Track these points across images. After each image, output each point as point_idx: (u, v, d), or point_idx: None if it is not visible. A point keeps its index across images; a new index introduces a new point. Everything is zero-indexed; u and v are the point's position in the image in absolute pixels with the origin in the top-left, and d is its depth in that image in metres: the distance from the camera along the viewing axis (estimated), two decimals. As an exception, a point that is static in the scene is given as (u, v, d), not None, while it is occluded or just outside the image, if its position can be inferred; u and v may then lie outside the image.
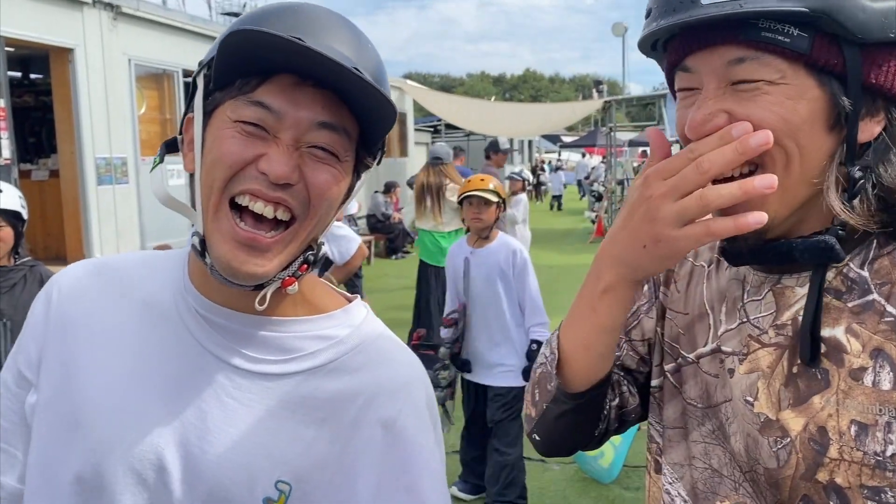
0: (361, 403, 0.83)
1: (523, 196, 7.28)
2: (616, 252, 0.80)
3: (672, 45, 0.81)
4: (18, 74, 10.19)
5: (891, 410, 0.72)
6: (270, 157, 0.75)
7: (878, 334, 0.75)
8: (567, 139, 35.09)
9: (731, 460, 0.84)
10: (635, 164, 22.31)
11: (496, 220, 3.61)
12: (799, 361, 0.78)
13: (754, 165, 0.76)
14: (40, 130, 9.77)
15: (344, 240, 4.17)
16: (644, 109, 24.36)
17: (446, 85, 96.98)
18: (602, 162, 20.25)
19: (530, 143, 29.55)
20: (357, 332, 0.86)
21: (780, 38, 0.72)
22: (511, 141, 26.37)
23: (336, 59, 0.71)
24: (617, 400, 0.98)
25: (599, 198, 16.56)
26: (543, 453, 1.00)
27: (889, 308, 0.75)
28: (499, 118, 17.56)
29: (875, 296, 0.76)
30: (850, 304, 0.77)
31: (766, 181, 0.70)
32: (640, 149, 24.50)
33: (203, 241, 0.78)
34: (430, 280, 5.92)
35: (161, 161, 0.86)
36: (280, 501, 0.78)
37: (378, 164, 0.89)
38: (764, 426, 0.80)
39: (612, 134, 16.21)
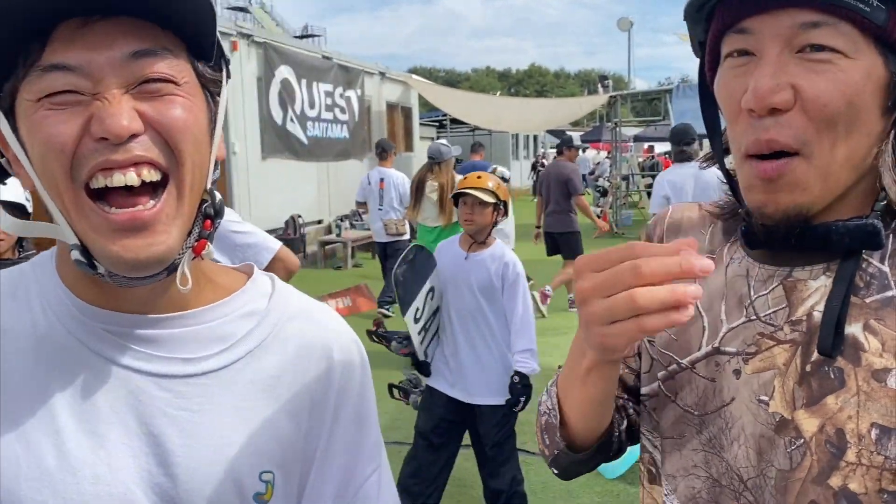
0: (305, 369, 0.79)
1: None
2: (583, 336, 0.76)
3: (730, 2, 0.75)
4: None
5: None
6: (99, 117, 0.62)
7: None
8: (572, 134, 35.05)
9: (729, 469, 0.81)
10: (640, 160, 22.28)
11: (494, 224, 3.24)
12: (813, 359, 0.75)
13: (795, 151, 0.72)
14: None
15: (252, 249, 2.59)
16: (649, 105, 24.30)
17: (451, 80, 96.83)
18: (607, 157, 20.20)
19: (535, 138, 29.47)
20: (275, 301, 0.80)
21: (861, 5, 0.68)
22: (515, 136, 26.34)
23: None
24: (625, 423, 0.97)
25: (605, 193, 16.52)
26: (564, 480, 1.00)
27: None
28: (504, 113, 17.52)
29: (895, 291, 0.73)
30: (868, 300, 0.74)
31: (697, 291, 0.64)
32: (646, 144, 24.44)
33: (85, 251, 0.66)
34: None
35: None
36: (269, 492, 0.75)
37: (228, 75, 0.75)
38: (779, 426, 0.77)
39: (618, 129, 16.17)
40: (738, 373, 0.81)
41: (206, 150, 0.70)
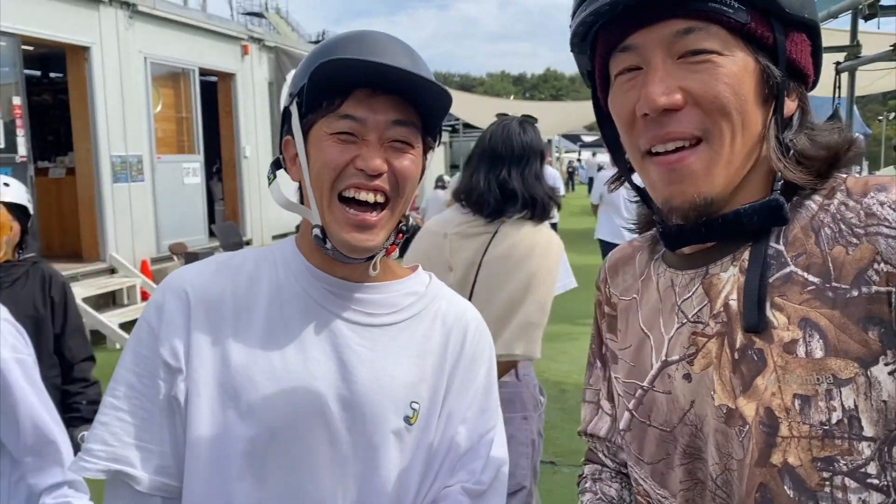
0: (447, 337, 1.09)
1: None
2: None
3: (609, 28, 0.81)
4: (38, 73, 10.29)
5: (828, 378, 0.72)
6: (364, 156, 0.96)
7: (802, 304, 0.75)
8: (587, 139, 34.90)
9: (707, 472, 0.82)
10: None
11: None
12: (738, 346, 0.78)
13: (697, 139, 0.77)
14: (59, 128, 9.85)
15: None
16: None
17: (466, 84, 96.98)
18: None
19: (549, 141, 29.45)
20: (430, 287, 1.13)
21: (724, 8, 0.75)
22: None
23: (399, 66, 0.93)
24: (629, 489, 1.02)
25: (618, 197, 16.40)
26: None
27: (809, 277, 0.75)
28: (517, 117, 17.47)
29: (792, 267, 0.77)
30: (771, 280, 0.77)
31: None
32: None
33: (323, 232, 0.99)
34: None
35: (274, 178, 1.07)
36: (414, 417, 1.03)
37: (439, 144, 1.10)
38: (728, 417, 0.78)
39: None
40: (688, 377, 0.83)
41: (415, 188, 1.04)
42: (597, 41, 0.84)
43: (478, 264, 2.26)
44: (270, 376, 0.97)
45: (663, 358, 0.86)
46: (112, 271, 8.20)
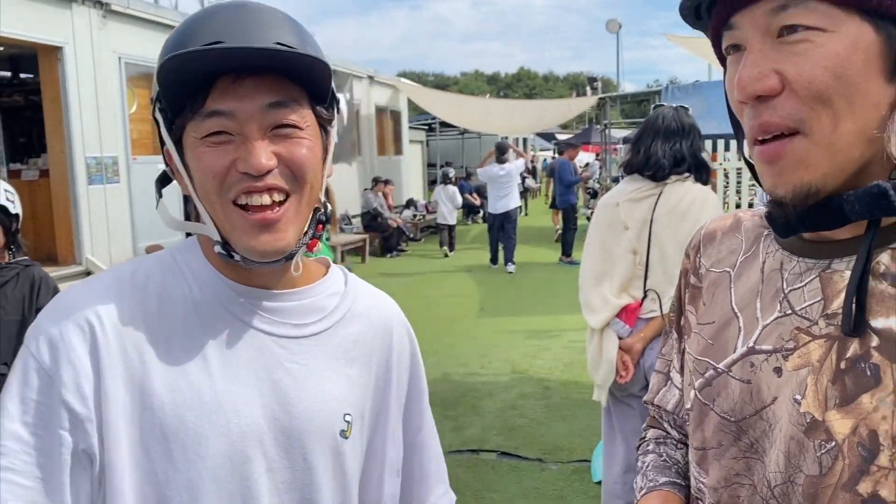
0: (374, 337, 1.02)
1: None
2: None
3: (717, 7, 0.77)
4: (8, 74, 10.11)
5: None
6: (243, 157, 0.84)
7: None
8: (562, 137, 35.02)
9: (765, 474, 0.78)
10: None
11: None
12: (848, 355, 0.71)
13: (794, 130, 0.71)
14: (31, 130, 9.68)
15: None
16: (638, 106, 24.35)
17: (441, 84, 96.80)
18: (597, 159, 20.22)
19: (525, 140, 29.50)
20: (349, 285, 1.04)
21: None
22: (505, 138, 26.33)
23: (256, 45, 0.81)
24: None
25: (595, 195, 16.52)
26: None
27: None
28: (493, 116, 17.49)
29: None
30: None
31: None
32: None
33: (225, 244, 0.88)
34: None
35: (160, 196, 0.96)
36: (349, 430, 0.97)
37: (338, 111, 0.97)
38: (809, 427, 0.72)
39: (607, 131, 16.18)
40: (778, 371, 0.77)
41: (319, 174, 0.92)
42: (709, 16, 0.80)
43: (650, 220, 2.81)
44: (200, 412, 0.86)
45: (751, 344, 0.81)
46: (88, 274, 8.08)
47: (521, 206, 13.50)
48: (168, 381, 0.86)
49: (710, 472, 0.85)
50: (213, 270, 0.93)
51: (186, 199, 0.93)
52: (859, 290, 0.70)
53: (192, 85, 0.83)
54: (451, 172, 14.36)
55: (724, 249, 0.93)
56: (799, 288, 0.78)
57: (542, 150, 34.92)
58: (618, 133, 21.57)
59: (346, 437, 0.96)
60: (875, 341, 0.70)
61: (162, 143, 0.91)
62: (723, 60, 0.81)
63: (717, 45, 0.81)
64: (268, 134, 0.85)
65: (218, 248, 0.88)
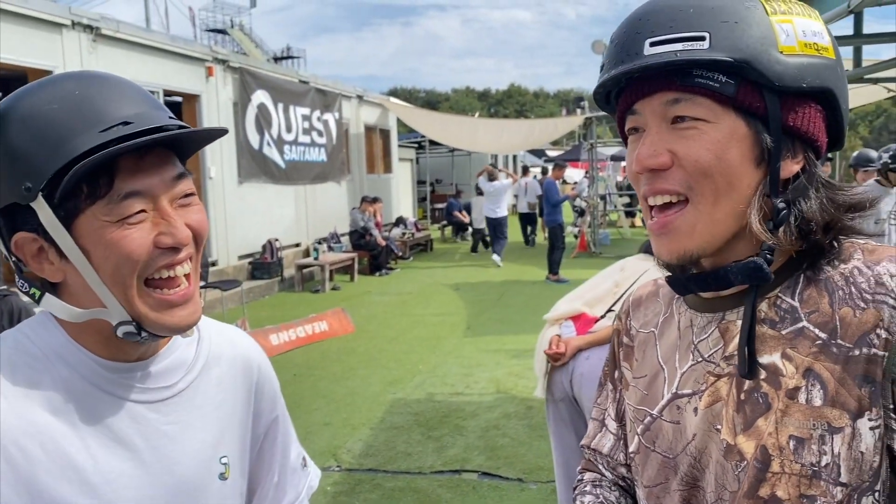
0: (234, 376, 1.07)
1: None
2: None
3: (623, 95, 0.91)
4: (-2, 96, 10.15)
5: (823, 424, 0.81)
6: (167, 232, 0.87)
7: (809, 356, 0.83)
8: (552, 153, 35.18)
9: (704, 498, 0.90)
10: (619, 179, 22.42)
11: None
12: (745, 388, 0.87)
13: (685, 198, 0.86)
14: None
15: None
16: (626, 124, 24.36)
17: (432, 100, 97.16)
18: (585, 176, 20.34)
19: (514, 157, 29.65)
20: (200, 329, 1.05)
21: (710, 82, 0.83)
22: (495, 157, 26.48)
23: (159, 123, 0.86)
24: None
25: (582, 213, 16.61)
26: None
27: (819, 333, 0.84)
28: (481, 134, 17.62)
29: (805, 323, 0.85)
30: (783, 332, 0.86)
31: None
32: (622, 163, 24.62)
33: (136, 325, 0.89)
34: None
35: (42, 293, 0.91)
36: (227, 471, 1.02)
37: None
38: (727, 451, 0.87)
39: (594, 150, 16.33)
40: (696, 410, 0.92)
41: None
42: (617, 102, 0.94)
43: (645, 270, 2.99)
44: (92, 495, 0.87)
45: (674, 390, 0.95)
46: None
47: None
48: (54, 472, 0.85)
49: None
50: (79, 348, 0.91)
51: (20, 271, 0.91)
52: (749, 341, 0.87)
53: (89, 167, 0.80)
54: (482, 181, 14.86)
55: (649, 313, 1.08)
56: (705, 339, 0.94)
57: (532, 165, 35.12)
58: (606, 150, 21.69)
59: (226, 479, 1.01)
60: (763, 374, 0.86)
61: (10, 235, 0.87)
62: (625, 139, 0.95)
63: (621, 126, 0.95)
64: (174, 204, 0.89)
65: (128, 329, 0.88)
